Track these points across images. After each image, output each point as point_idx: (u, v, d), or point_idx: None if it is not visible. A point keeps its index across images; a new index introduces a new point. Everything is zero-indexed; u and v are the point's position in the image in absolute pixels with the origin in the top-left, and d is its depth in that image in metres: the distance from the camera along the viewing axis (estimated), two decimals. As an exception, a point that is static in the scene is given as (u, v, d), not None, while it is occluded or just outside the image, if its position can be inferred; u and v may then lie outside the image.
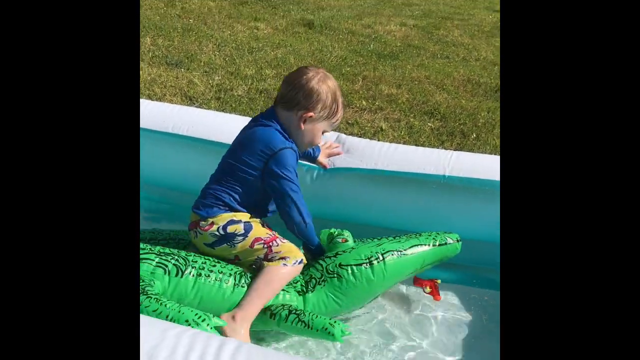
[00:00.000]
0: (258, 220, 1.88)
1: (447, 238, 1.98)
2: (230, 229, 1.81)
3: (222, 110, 3.55)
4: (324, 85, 1.84)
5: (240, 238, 1.81)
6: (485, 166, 2.09)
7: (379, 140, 3.27)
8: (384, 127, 3.48)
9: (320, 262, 1.87)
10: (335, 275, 1.82)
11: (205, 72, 4.22)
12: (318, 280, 1.83)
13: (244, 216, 1.85)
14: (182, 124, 2.35)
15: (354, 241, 1.94)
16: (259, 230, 1.84)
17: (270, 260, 1.80)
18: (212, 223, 1.82)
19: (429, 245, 1.94)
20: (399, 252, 1.88)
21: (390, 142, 3.30)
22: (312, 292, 1.83)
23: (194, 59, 4.46)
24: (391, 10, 7.00)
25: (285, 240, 1.85)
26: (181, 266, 1.75)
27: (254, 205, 1.88)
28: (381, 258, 1.85)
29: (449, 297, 2.08)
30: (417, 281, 2.05)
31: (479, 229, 2.06)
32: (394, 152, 2.21)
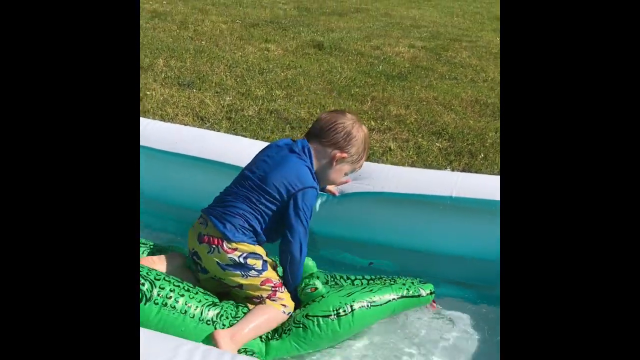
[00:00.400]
0: (272, 261, 1.93)
1: (420, 289, 2.01)
2: (250, 261, 1.84)
3: (233, 130, 3.61)
4: (361, 131, 1.98)
5: (255, 273, 1.85)
6: (491, 187, 2.12)
7: (387, 160, 3.34)
8: (392, 147, 3.52)
9: (295, 321, 1.88)
10: (301, 325, 1.82)
11: (217, 92, 4.29)
12: (284, 329, 1.84)
13: (263, 252, 1.89)
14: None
15: (328, 282, 1.97)
16: (272, 272, 1.89)
17: (273, 301, 1.85)
18: (236, 249, 1.83)
19: (400, 295, 1.96)
20: (368, 303, 1.89)
21: (399, 161, 3.36)
22: (277, 339, 1.83)
23: (206, 79, 4.54)
24: (400, 32, 7.09)
25: (285, 289, 1.90)
26: (147, 292, 1.69)
27: (274, 230, 1.93)
28: (349, 310, 1.85)
29: (455, 314, 2.10)
30: None
31: (485, 249, 2.08)
32: (400, 174, 2.26)
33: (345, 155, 1.96)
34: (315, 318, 1.82)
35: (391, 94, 4.54)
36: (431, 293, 2.04)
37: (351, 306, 1.85)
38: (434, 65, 5.55)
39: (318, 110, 4.02)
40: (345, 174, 2.05)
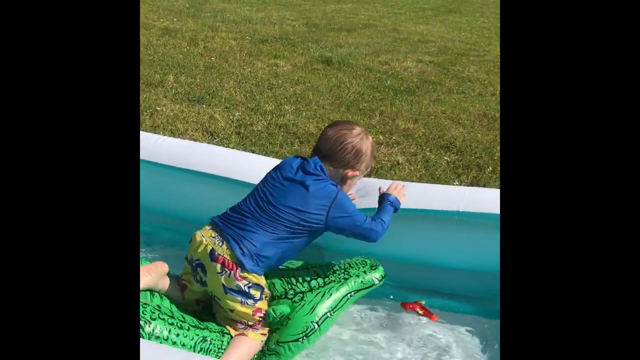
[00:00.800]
0: (268, 292, 1.95)
1: (373, 278, 2.04)
2: (252, 291, 1.86)
3: (242, 145, 3.65)
4: (366, 144, 1.97)
5: (252, 302, 1.86)
6: (497, 201, 2.14)
7: (395, 174, 3.35)
8: (400, 161, 3.54)
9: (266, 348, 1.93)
10: (274, 352, 1.88)
11: (226, 108, 4.34)
12: (259, 356, 1.90)
13: (264, 284, 1.90)
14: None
15: (287, 291, 1.98)
16: (264, 303, 1.92)
17: (254, 330, 1.89)
18: (246, 278, 1.83)
19: (355, 290, 2.00)
20: (331, 311, 1.93)
21: (407, 175, 3.37)
22: None
23: (215, 95, 4.59)
24: (407, 47, 7.14)
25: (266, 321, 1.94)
26: (143, 332, 1.75)
27: (288, 257, 1.97)
28: (316, 326, 1.89)
29: (458, 327, 2.11)
30: (405, 306, 2.11)
31: (493, 262, 2.09)
32: (408, 190, 2.27)
33: (357, 172, 1.99)
34: (286, 344, 1.87)
35: (399, 109, 4.56)
36: (382, 277, 2.05)
37: (317, 322, 1.89)
38: (442, 80, 5.58)
39: (326, 124, 4.04)
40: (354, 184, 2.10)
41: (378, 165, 3.47)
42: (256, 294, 1.86)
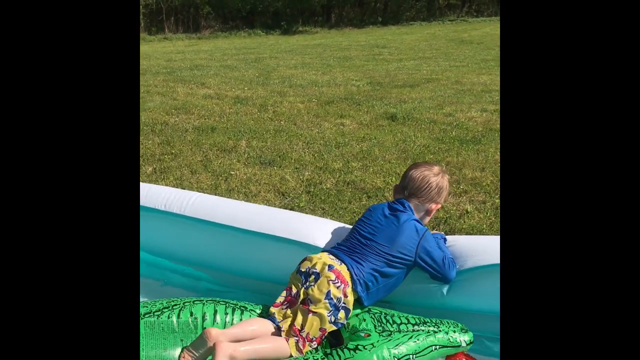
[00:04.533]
0: (344, 325, 2.05)
1: (461, 339, 2.05)
2: (342, 311, 2.00)
3: (312, 203, 3.79)
4: (447, 181, 2.29)
5: (333, 318, 1.97)
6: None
7: (464, 222, 3.36)
8: (469, 210, 3.55)
9: (338, 351, 1.94)
10: None
11: (296, 168, 4.53)
12: None
13: (349, 314, 2.04)
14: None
15: (375, 326, 2.01)
16: (332, 329, 2.00)
17: (296, 343, 1.95)
18: (347, 297, 2.00)
19: (442, 345, 2.01)
20: (414, 355, 1.95)
21: (477, 223, 3.37)
22: None
23: (285, 157, 4.80)
24: (471, 98, 7.19)
25: (312, 347, 2.00)
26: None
27: (384, 294, 2.15)
28: None
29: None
30: (450, 358, 2.08)
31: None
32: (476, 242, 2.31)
33: (439, 205, 2.29)
34: None
35: (465, 158, 4.59)
36: (470, 343, 2.06)
37: (398, 357, 1.91)
38: (508, 127, 5.56)
39: (393, 178, 4.13)
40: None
41: (447, 214, 3.50)
42: (341, 316, 2.00)
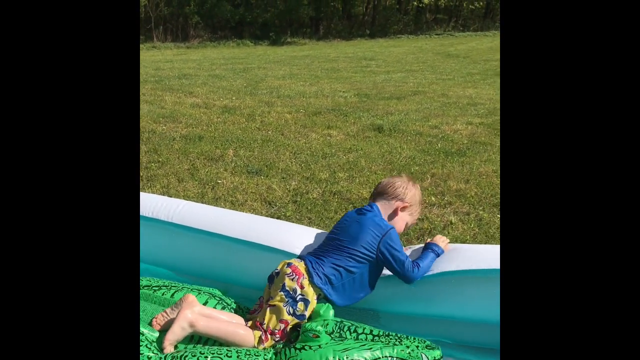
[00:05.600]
0: (308, 316, 2.10)
1: (424, 355, 1.98)
2: (300, 303, 2.07)
3: (299, 212, 3.81)
4: (412, 185, 2.41)
5: (291, 310, 2.06)
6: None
7: (449, 233, 3.40)
8: (453, 221, 3.60)
9: (286, 351, 1.96)
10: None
11: (283, 178, 4.55)
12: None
13: (312, 308, 2.11)
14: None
15: (334, 331, 2.03)
16: (295, 322, 2.07)
17: (258, 331, 2.03)
18: (304, 290, 2.08)
19: (400, 358, 1.95)
20: None
21: (460, 234, 3.42)
22: None
23: (273, 166, 4.83)
24: (457, 111, 7.28)
25: (274, 340, 2.04)
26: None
27: (350, 291, 2.19)
28: None
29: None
30: None
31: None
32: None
33: (407, 204, 2.35)
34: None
35: (450, 170, 4.65)
36: (439, 359, 2.01)
37: None
38: (492, 140, 5.65)
39: (379, 189, 4.17)
40: (406, 225, 2.38)
41: (431, 225, 3.54)
42: (300, 307, 2.06)
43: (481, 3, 28.71)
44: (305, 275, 2.11)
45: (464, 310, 2.24)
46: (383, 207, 2.34)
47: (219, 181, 4.45)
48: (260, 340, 2.02)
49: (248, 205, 4.00)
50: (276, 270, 2.18)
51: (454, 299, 2.23)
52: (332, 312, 2.09)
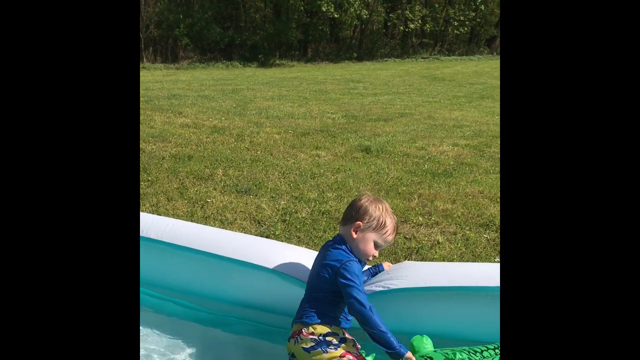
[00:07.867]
0: (352, 339, 2.14)
1: None
2: (328, 337, 2.08)
3: (287, 231, 3.84)
4: (373, 203, 2.24)
5: (332, 347, 2.06)
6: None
7: (436, 252, 3.45)
8: (440, 240, 3.65)
9: None
10: None
11: (272, 197, 4.59)
12: None
13: (340, 331, 2.13)
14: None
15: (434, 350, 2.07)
16: (350, 346, 2.09)
17: None
18: (314, 332, 2.09)
19: None
20: None
21: (447, 254, 3.47)
22: None
23: (262, 186, 4.87)
24: (443, 133, 7.39)
25: None
26: None
27: (340, 314, 2.19)
28: None
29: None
30: None
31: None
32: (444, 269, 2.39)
33: (359, 223, 2.18)
34: None
35: (437, 191, 4.72)
36: None
37: None
38: (478, 162, 5.75)
39: (367, 209, 4.22)
40: (378, 245, 2.22)
41: (419, 244, 3.59)
42: (333, 339, 2.08)
43: (466, 29, 29.23)
44: (303, 329, 2.11)
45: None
46: (345, 235, 2.23)
47: (209, 200, 4.47)
48: None
49: (237, 224, 4.02)
50: (289, 356, 2.17)
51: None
52: (430, 343, 2.09)
